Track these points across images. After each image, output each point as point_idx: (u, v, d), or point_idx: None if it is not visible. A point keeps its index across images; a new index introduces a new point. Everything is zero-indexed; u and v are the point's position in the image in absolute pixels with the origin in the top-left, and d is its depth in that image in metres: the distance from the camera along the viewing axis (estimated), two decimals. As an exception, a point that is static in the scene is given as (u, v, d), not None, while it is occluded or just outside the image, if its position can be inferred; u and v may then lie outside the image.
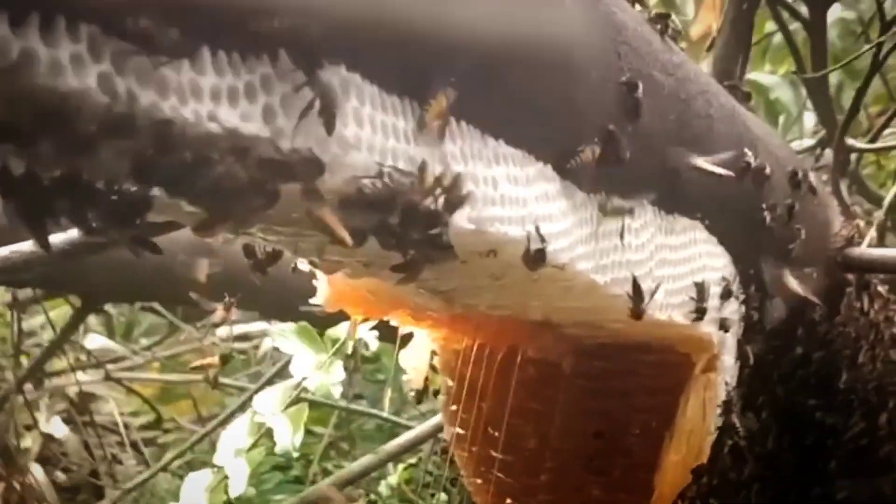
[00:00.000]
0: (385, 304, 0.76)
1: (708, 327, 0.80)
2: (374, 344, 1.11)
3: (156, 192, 0.45)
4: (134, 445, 2.65)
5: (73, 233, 0.74)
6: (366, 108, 0.43)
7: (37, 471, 2.03)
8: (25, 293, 2.21)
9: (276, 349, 2.37)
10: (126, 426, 2.62)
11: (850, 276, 1.12)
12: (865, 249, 1.11)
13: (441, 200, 0.48)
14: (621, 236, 0.67)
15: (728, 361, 0.85)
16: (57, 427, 2.12)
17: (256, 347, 2.65)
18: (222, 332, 2.67)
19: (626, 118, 0.64)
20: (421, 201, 0.47)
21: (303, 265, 0.75)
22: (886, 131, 1.71)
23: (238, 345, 2.77)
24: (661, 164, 0.71)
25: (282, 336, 1.11)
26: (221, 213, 0.43)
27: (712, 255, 0.81)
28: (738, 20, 1.00)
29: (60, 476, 2.42)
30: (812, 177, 1.07)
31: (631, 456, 0.89)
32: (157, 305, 2.62)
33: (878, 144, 1.65)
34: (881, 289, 1.21)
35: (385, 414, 1.97)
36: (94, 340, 2.27)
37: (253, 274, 0.73)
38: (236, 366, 2.69)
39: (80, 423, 2.40)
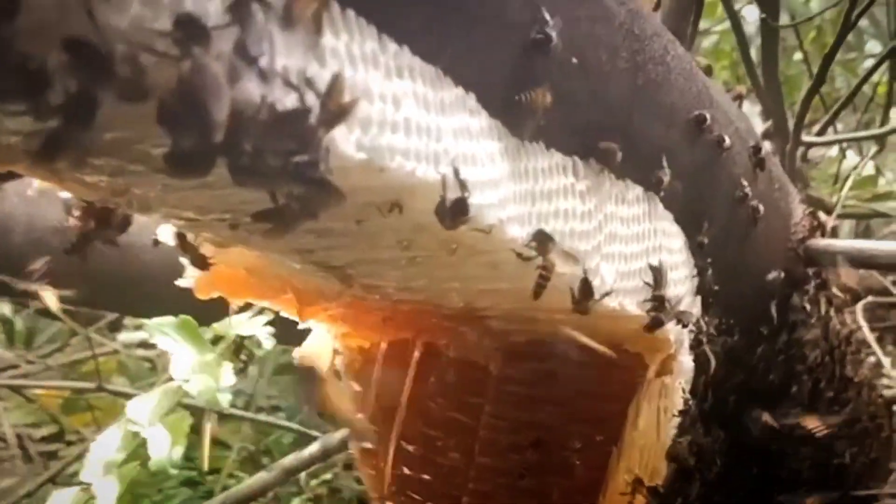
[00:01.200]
0: (267, 287, 0.61)
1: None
2: (268, 342, 0.95)
3: None
4: (29, 458, 2.47)
5: None
6: None
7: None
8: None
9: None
10: (21, 437, 2.45)
11: (810, 270, 1.00)
12: (830, 241, 0.99)
13: (314, 111, 0.33)
14: (564, 199, 0.53)
15: (686, 363, 0.71)
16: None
17: (161, 355, 2.48)
18: (124, 337, 2.51)
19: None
20: (285, 110, 0.32)
21: (164, 236, 0.60)
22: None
23: (141, 352, 2.61)
24: (612, 112, 0.57)
25: (159, 330, 0.95)
26: None
27: (668, 234, 0.67)
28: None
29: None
30: (773, 158, 0.94)
31: (571, 474, 0.75)
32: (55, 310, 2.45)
33: (830, 137, 1.54)
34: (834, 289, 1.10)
35: (294, 426, 1.82)
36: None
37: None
38: (141, 374, 2.53)
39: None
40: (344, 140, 0.35)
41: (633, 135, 0.59)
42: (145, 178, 0.40)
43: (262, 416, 2.02)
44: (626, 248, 0.61)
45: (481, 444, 0.78)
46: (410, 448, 0.80)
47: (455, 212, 0.42)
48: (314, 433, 1.91)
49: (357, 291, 0.59)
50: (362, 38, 0.36)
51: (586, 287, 0.54)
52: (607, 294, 0.58)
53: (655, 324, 0.65)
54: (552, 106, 0.49)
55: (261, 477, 0.96)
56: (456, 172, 0.42)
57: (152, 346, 2.60)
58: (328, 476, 1.99)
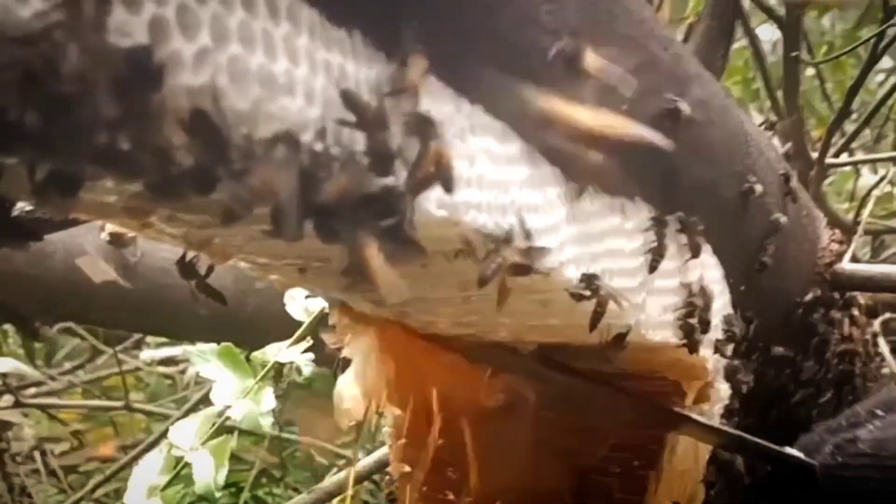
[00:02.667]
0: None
1: (702, 350, 0.68)
2: (307, 369, 0.98)
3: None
4: (52, 473, 2.50)
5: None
6: (301, 39, 0.31)
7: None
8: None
9: (194, 376, 2.25)
10: (44, 453, 2.47)
11: (836, 294, 1.02)
12: (857, 266, 1.01)
13: (405, 176, 0.36)
14: (613, 238, 0.55)
15: (723, 390, 0.74)
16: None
17: (182, 372, 2.51)
18: (146, 355, 2.54)
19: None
20: (380, 175, 0.35)
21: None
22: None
23: (163, 369, 2.63)
24: (656, 154, 0.59)
25: (201, 358, 0.97)
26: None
27: (707, 266, 0.69)
28: (720, 2, 0.89)
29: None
30: (799, 185, 0.96)
31: (610, 499, 0.77)
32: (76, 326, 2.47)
33: (855, 158, 1.56)
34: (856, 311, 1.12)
35: (316, 441, 1.84)
36: (5, 364, 2.10)
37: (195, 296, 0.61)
38: (161, 391, 2.55)
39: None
40: (426, 199, 0.37)
41: (676, 173, 0.61)
42: (230, 231, 0.42)
43: (285, 433, 2.04)
44: (668, 281, 0.63)
45: (523, 470, 0.80)
46: (450, 472, 0.82)
47: (523, 262, 0.44)
48: (333, 447, 1.93)
49: (412, 325, 0.61)
50: (441, 101, 0.39)
51: (620, 338, 0.57)
52: (650, 328, 0.60)
53: (695, 346, 0.67)
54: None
55: (301, 499, 0.98)
56: (522, 222, 0.44)
57: (174, 364, 2.63)
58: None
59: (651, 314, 0.60)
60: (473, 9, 0.40)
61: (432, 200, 0.38)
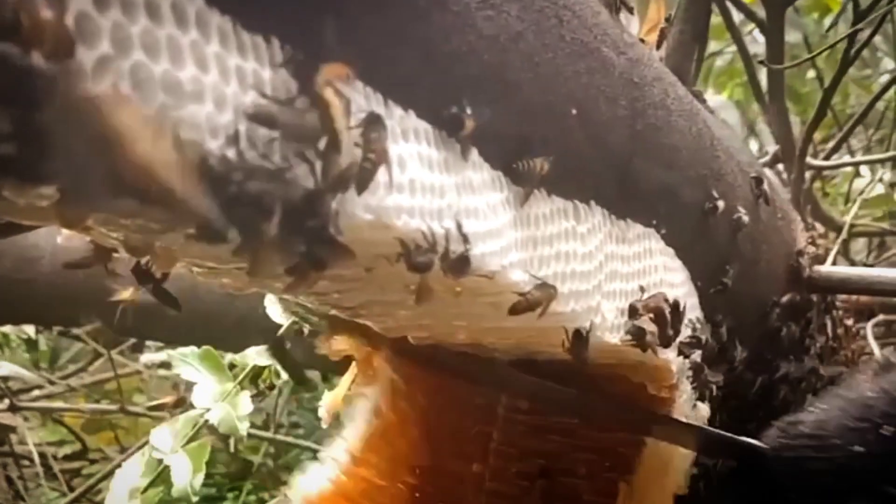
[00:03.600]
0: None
1: (666, 353, 0.68)
2: (285, 373, 0.98)
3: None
4: (54, 476, 2.51)
5: None
6: (211, 46, 0.31)
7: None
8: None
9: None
10: (43, 455, 2.48)
11: (814, 297, 1.02)
12: (833, 268, 1.01)
13: (323, 178, 0.36)
14: (565, 242, 0.55)
15: (686, 391, 0.74)
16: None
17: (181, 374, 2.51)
18: (146, 358, 2.54)
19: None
20: (297, 179, 0.35)
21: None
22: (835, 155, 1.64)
23: (163, 372, 2.64)
24: (611, 158, 0.59)
25: (183, 361, 0.98)
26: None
27: (669, 269, 0.69)
28: (693, 7, 0.89)
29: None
30: (774, 188, 0.97)
31: (578, 501, 0.77)
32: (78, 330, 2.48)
33: (836, 161, 1.56)
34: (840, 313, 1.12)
35: (316, 445, 1.84)
36: (5, 367, 2.12)
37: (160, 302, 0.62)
38: (161, 394, 2.55)
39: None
40: (352, 202, 0.38)
41: (633, 177, 0.62)
42: (170, 238, 0.43)
43: (281, 436, 2.05)
44: (626, 285, 0.63)
45: (491, 471, 0.81)
46: (419, 474, 0.82)
47: (457, 265, 0.44)
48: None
49: (372, 328, 0.61)
50: (370, 105, 0.39)
51: (579, 336, 0.57)
52: (608, 330, 0.61)
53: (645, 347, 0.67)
54: (553, 156, 0.52)
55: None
56: (459, 226, 0.44)
57: (171, 366, 2.63)
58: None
59: (608, 317, 0.60)
60: (405, 13, 0.41)
61: (359, 205, 0.38)
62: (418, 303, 0.44)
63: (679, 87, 0.72)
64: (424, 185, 0.42)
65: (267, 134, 0.33)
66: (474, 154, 0.47)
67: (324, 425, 0.81)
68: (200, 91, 0.31)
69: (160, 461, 0.98)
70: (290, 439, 1.90)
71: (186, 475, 0.91)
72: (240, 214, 0.35)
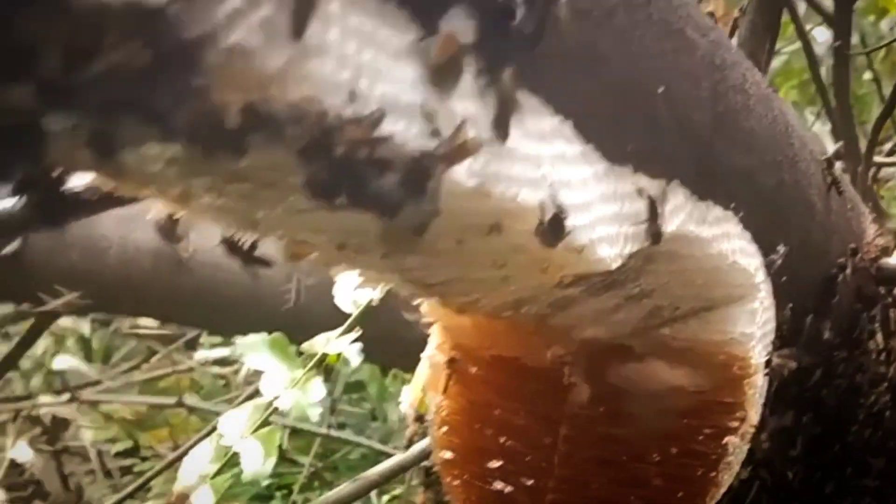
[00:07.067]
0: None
1: (750, 343, 0.69)
2: (355, 360, 0.99)
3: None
4: (108, 473, 2.54)
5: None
6: (333, 4, 0.32)
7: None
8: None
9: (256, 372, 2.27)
10: (100, 453, 2.52)
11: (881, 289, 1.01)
12: (902, 261, 1.00)
13: (438, 148, 0.37)
14: (649, 226, 0.56)
15: (759, 384, 0.74)
16: (22, 451, 2.00)
17: (236, 372, 2.54)
18: (200, 355, 2.57)
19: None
20: (411, 141, 0.36)
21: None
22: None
23: (217, 369, 2.66)
24: (694, 139, 0.60)
25: (251, 348, 0.99)
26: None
27: (746, 253, 0.69)
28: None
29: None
30: (845, 178, 0.96)
31: (648, 486, 0.78)
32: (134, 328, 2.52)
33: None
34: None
35: (370, 442, 1.86)
36: (64, 361, 2.15)
37: (247, 270, 0.62)
38: (215, 391, 2.58)
39: (51, 449, 2.29)
40: (457, 169, 0.39)
41: (714, 158, 0.62)
42: (270, 202, 0.44)
43: (325, 430, 2.06)
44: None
45: (560, 456, 0.81)
46: (492, 460, 0.83)
47: (553, 233, 0.45)
48: (385, 449, 1.95)
49: (452, 306, 0.62)
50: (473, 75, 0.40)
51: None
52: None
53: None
54: (639, 133, 0.53)
55: (346, 487, 1.00)
56: (553, 197, 0.45)
57: (228, 364, 2.66)
58: (399, 490, 2.03)
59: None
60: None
61: (462, 170, 0.39)
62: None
63: (756, 73, 0.72)
64: (523, 154, 0.43)
65: (385, 93, 0.34)
66: (567, 127, 0.47)
67: (408, 421, 0.81)
68: (323, 48, 0.32)
69: (228, 448, 1.00)
70: (345, 436, 1.92)
71: (258, 461, 0.92)
72: (350, 171, 0.35)
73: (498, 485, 0.83)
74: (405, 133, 0.35)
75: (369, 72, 0.34)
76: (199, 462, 1.01)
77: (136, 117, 0.31)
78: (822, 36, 2.01)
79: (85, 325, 2.48)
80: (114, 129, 0.33)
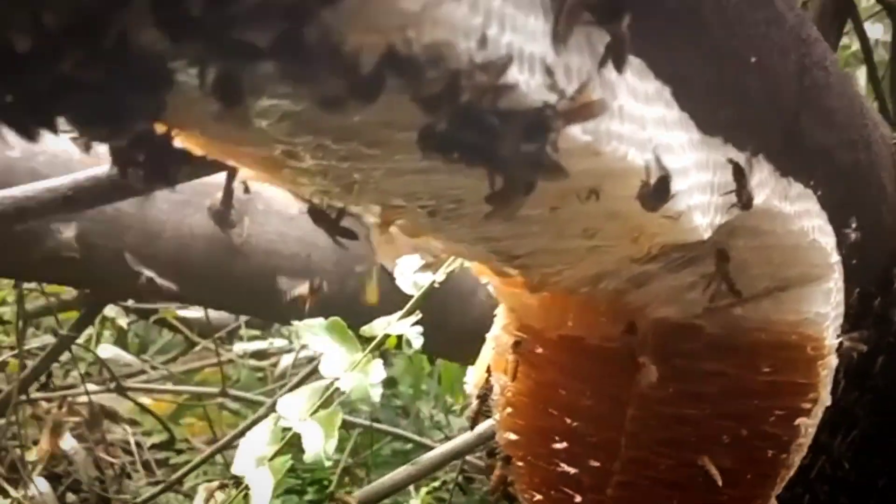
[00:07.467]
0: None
1: (824, 323, 0.68)
2: (417, 341, 0.99)
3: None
4: (146, 465, 2.54)
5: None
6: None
7: (42, 486, 1.93)
8: (34, 304, 2.11)
9: (292, 367, 2.28)
10: (139, 445, 2.52)
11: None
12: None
13: (554, 99, 0.36)
14: (739, 196, 0.55)
15: (832, 364, 0.74)
16: (66, 440, 2.00)
17: (274, 365, 2.54)
18: (238, 348, 2.57)
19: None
20: (533, 93, 0.36)
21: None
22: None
23: (254, 362, 2.67)
24: (781, 112, 0.60)
25: (310, 332, 0.99)
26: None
27: (823, 232, 0.69)
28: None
29: (70, 496, 2.32)
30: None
31: (717, 468, 0.77)
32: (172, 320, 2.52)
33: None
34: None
35: (413, 436, 1.86)
36: (107, 350, 2.16)
37: (336, 241, 0.61)
38: (251, 384, 2.58)
39: (92, 439, 2.30)
40: (576, 126, 0.38)
41: (798, 133, 0.62)
42: (374, 162, 0.44)
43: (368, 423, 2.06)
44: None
45: (627, 437, 0.81)
46: (558, 441, 0.82)
47: (657, 195, 0.45)
48: (427, 441, 1.95)
49: (534, 280, 0.62)
50: (587, 32, 0.40)
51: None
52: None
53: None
54: (731, 103, 0.52)
55: (404, 469, 1.00)
56: (658, 159, 0.45)
57: (266, 357, 2.66)
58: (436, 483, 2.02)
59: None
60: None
61: (578, 127, 0.39)
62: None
63: (832, 53, 0.72)
64: (631, 114, 0.43)
65: (511, 41, 0.34)
66: (667, 92, 0.47)
67: (471, 401, 0.81)
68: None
69: (285, 430, 1.00)
70: (388, 428, 1.91)
71: (319, 442, 0.92)
72: (471, 121, 0.35)
73: (563, 466, 0.82)
74: (528, 83, 0.35)
75: (499, 19, 0.33)
76: (255, 446, 1.01)
77: (272, 62, 0.31)
78: (873, 33, 2.00)
79: (122, 319, 2.49)
80: (243, 74, 0.33)
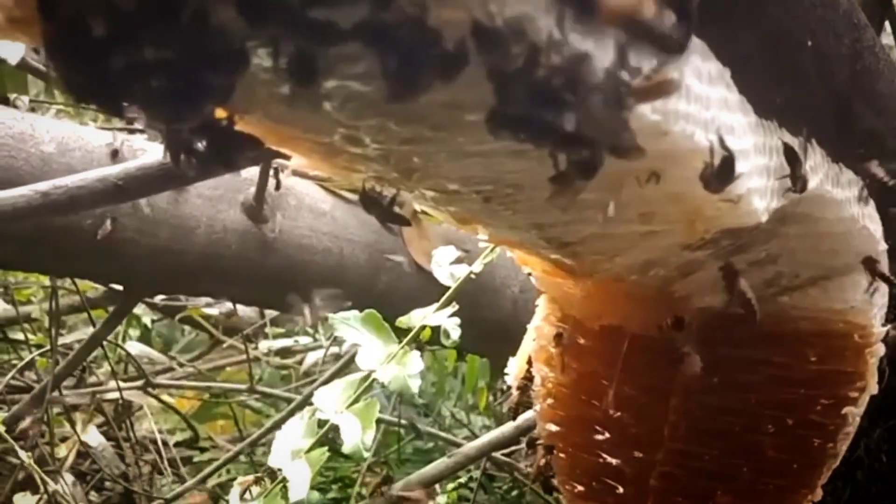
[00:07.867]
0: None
1: (871, 310, 0.68)
2: (454, 333, 0.99)
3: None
4: (171, 463, 2.55)
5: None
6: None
7: (71, 482, 1.93)
8: (66, 301, 2.11)
9: (312, 365, 2.28)
10: (165, 443, 2.53)
11: None
12: None
13: (625, 76, 0.36)
14: (794, 180, 0.55)
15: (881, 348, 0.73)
16: (93, 437, 2.01)
17: (299, 363, 2.54)
18: (264, 346, 2.57)
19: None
20: (602, 71, 0.35)
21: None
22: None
23: (278, 360, 2.67)
24: (835, 97, 0.59)
25: (345, 324, 0.99)
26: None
27: (873, 219, 0.69)
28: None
29: (94, 496, 2.32)
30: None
31: (761, 458, 0.77)
32: (198, 317, 2.52)
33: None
34: None
35: (444, 434, 1.86)
36: (134, 347, 2.16)
37: (386, 226, 0.61)
38: (274, 383, 2.58)
39: (118, 435, 2.31)
40: (646, 105, 0.38)
41: (850, 118, 0.61)
42: (436, 145, 0.43)
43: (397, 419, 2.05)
44: (836, 231, 0.63)
45: (671, 428, 0.80)
46: (599, 432, 0.82)
47: (722, 176, 0.44)
48: (457, 439, 1.95)
49: (584, 269, 0.61)
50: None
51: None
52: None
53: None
54: (787, 86, 0.52)
55: (442, 462, 0.99)
56: (722, 140, 0.44)
57: (291, 355, 2.66)
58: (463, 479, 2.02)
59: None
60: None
61: (647, 106, 0.39)
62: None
63: (879, 40, 0.72)
64: (696, 94, 0.42)
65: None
66: (727, 74, 0.47)
67: (513, 392, 0.81)
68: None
69: (321, 423, 1.00)
70: (421, 426, 1.91)
71: (357, 434, 0.92)
72: (543, 99, 0.35)
73: (605, 457, 0.82)
74: (603, 60, 0.35)
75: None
76: (291, 438, 1.01)
77: (355, 42, 0.30)
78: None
79: (146, 316, 2.50)
80: (319, 54, 0.33)
